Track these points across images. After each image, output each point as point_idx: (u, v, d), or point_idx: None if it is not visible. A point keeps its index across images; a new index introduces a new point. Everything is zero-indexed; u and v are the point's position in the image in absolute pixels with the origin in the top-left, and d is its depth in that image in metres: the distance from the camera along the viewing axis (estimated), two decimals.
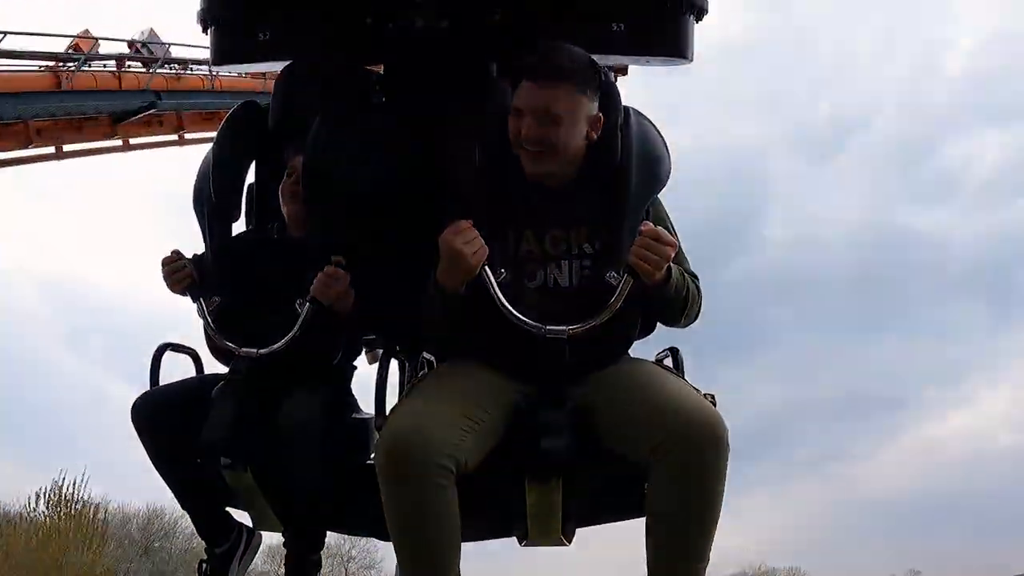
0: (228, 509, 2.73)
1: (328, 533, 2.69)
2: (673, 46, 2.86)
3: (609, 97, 2.37)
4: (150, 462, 2.55)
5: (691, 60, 2.90)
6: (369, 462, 2.67)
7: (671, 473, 1.97)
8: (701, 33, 2.90)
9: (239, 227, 2.87)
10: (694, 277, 2.36)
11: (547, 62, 2.20)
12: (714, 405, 2.09)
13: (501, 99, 2.33)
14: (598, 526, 2.45)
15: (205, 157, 2.79)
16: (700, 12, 2.85)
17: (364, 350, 2.98)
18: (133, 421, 2.50)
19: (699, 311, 2.39)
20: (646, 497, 2.05)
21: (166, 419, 2.49)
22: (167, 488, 2.63)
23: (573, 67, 2.20)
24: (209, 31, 2.96)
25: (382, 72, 3.09)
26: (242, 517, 2.76)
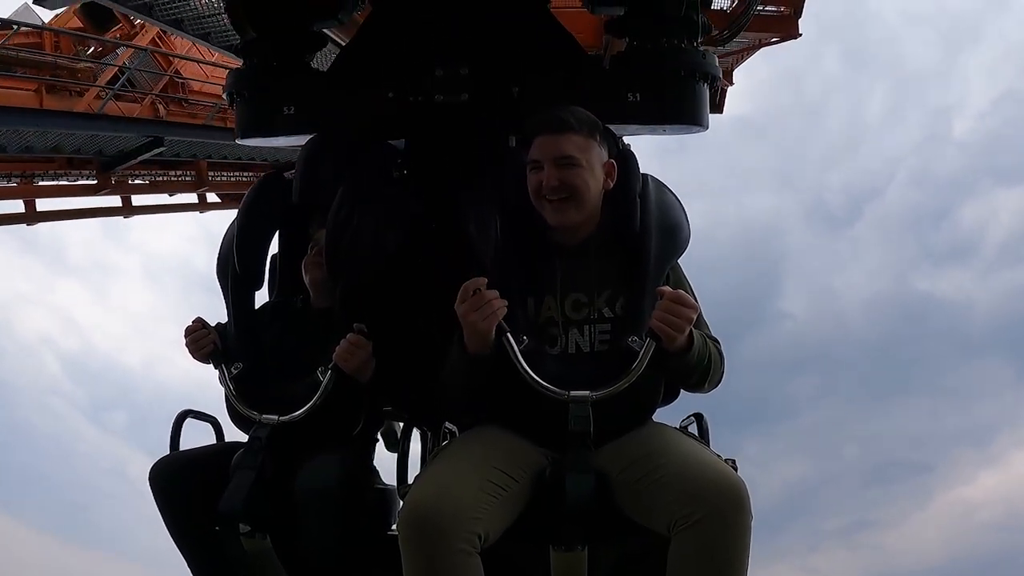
0: None
1: None
2: (688, 114, 2.91)
3: (627, 164, 2.41)
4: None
5: (707, 128, 2.95)
6: (391, 533, 2.63)
7: (692, 540, 1.91)
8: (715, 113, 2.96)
9: (262, 296, 2.90)
10: (715, 342, 2.35)
11: (553, 116, 2.31)
12: (735, 470, 2.06)
13: (520, 168, 2.37)
14: None
15: (230, 227, 2.84)
16: (714, 80, 2.91)
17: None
18: (151, 484, 2.48)
19: (722, 376, 2.37)
20: (667, 565, 1.98)
21: (184, 484, 2.47)
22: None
23: (577, 118, 2.32)
24: (235, 104, 3.04)
25: (403, 146, 3.16)
26: None
